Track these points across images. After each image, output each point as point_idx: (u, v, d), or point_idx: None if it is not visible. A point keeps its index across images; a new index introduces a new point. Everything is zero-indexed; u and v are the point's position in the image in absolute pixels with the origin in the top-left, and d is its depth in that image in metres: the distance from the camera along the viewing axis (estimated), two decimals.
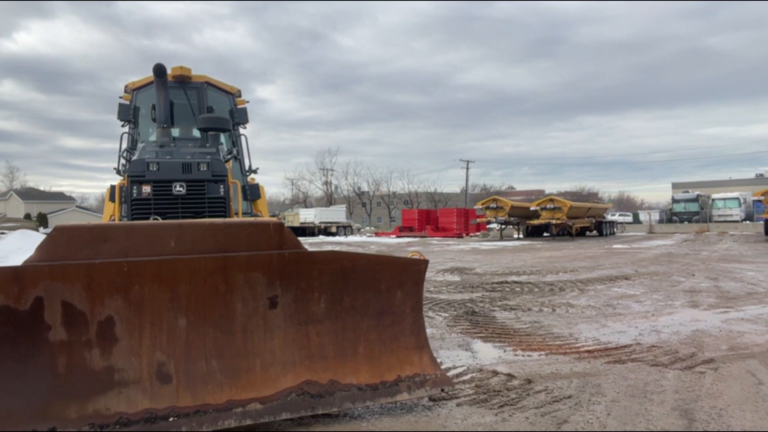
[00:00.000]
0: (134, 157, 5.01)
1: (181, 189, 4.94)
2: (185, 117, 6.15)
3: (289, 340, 3.69)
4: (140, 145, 5.55)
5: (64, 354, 3.20)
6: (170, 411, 3.24)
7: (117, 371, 3.27)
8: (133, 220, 4.72)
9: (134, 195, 4.78)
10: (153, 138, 6.16)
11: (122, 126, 6.21)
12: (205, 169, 5.03)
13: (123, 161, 6.29)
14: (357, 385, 3.70)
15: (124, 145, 6.19)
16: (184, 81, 5.96)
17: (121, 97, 6.54)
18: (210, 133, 5.63)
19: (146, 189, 4.79)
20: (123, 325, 3.32)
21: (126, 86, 6.30)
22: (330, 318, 3.83)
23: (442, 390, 3.92)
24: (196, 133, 6.14)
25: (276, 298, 3.69)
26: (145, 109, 6.09)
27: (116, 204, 5.59)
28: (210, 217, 5.17)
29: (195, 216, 5.19)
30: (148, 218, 4.86)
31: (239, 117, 6.43)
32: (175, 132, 6.23)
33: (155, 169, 4.84)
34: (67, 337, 3.21)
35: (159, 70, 5.31)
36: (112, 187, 6.09)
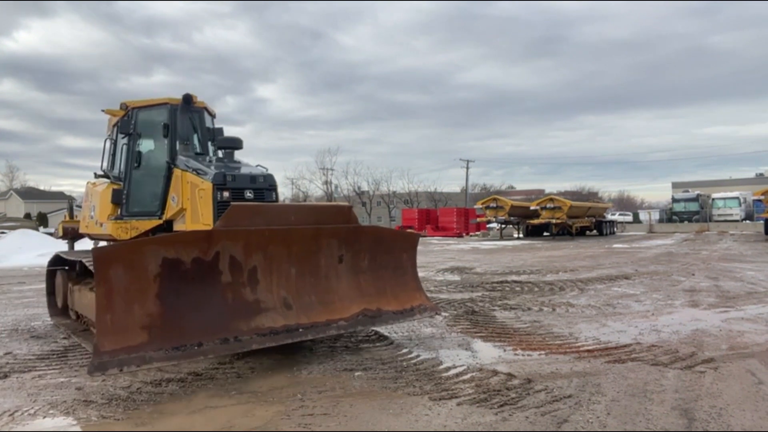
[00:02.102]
0: (210, 171, 6.24)
1: (250, 195, 6.28)
2: (186, 133, 7.21)
3: (350, 283, 5.56)
4: (182, 158, 6.60)
5: (230, 291, 4.74)
6: (297, 326, 4.93)
7: (261, 302, 4.88)
8: (218, 217, 5.87)
9: (218, 198, 6.05)
10: (149, 149, 7.15)
11: (122, 137, 7.13)
12: (263, 180, 6.44)
13: (114, 167, 7.30)
14: (392, 311, 5.65)
15: (121, 153, 7.14)
16: (188, 103, 7.11)
17: (103, 110, 7.54)
18: (227, 150, 6.88)
19: (226, 194, 6.07)
20: (262, 272, 4.96)
21: (122, 103, 7.22)
22: (371, 270, 5.77)
23: (436, 313, 6.17)
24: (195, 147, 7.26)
25: (342, 256, 5.57)
26: (143, 125, 7.08)
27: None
28: None
29: None
30: None
31: (218, 135, 7.54)
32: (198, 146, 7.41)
33: (231, 180, 6.16)
34: (231, 279, 4.76)
35: (188, 99, 6.95)
36: (115, 191, 6.88)
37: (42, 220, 54.08)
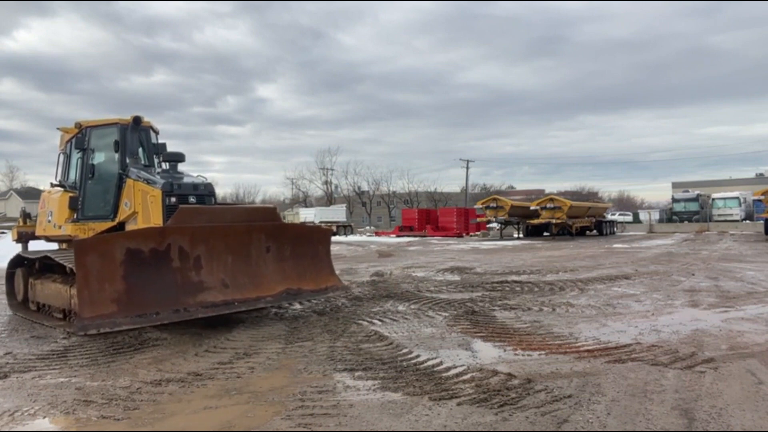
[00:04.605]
0: (159, 181, 7.09)
1: (193, 200, 7.21)
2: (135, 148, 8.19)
3: (276, 269, 6.97)
4: (133, 169, 7.45)
5: (179, 274, 6.04)
6: (233, 300, 6.27)
7: (204, 282, 6.18)
8: (167, 218, 6.74)
9: (167, 203, 6.95)
10: (101, 162, 8.00)
11: (77, 152, 8.02)
12: (203, 188, 7.47)
13: (72, 177, 8.20)
14: (310, 290, 7.24)
15: (76, 166, 8.03)
16: (138, 124, 8.06)
17: (58, 128, 8.69)
18: (172, 162, 7.79)
19: (173, 199, 6.96)
20: (204, 259, 6.24)
21: (77, 123, 8.16)
22: (293, 258, 7.23)
23: (347, 292, 8.35)
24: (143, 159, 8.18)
25: (269, 247, 6.96)
26: (96, 141, 7.99)
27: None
28: None
29: None
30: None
31: (162, 149, 8.49)
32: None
33: (177, 188, 7.12)
34: (180, 265, 6.05)
35: (137, 120, 7.93)
36: (72, 198, 7.76)
37: None
